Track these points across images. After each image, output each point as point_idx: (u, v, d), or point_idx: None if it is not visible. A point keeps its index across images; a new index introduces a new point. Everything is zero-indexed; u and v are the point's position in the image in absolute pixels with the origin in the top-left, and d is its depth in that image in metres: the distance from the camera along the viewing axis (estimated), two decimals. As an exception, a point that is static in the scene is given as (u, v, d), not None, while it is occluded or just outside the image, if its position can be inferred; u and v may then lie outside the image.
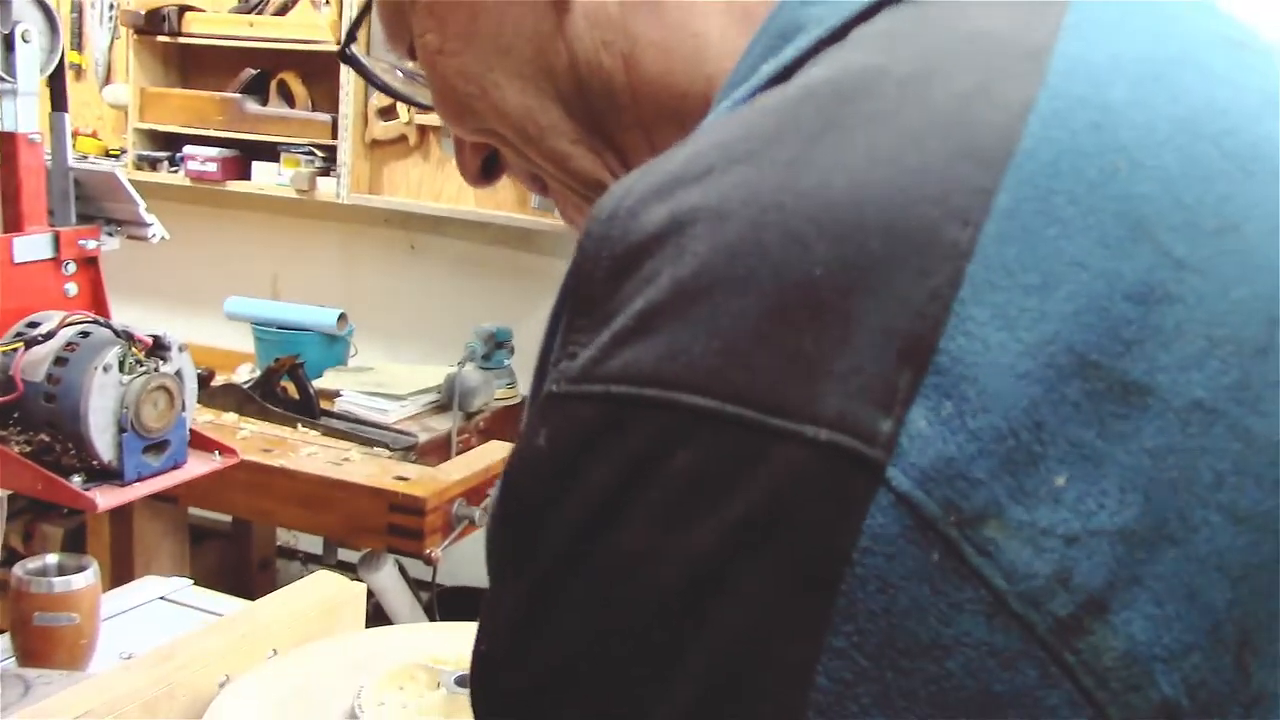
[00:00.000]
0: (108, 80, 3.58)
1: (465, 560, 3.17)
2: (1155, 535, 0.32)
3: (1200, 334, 0.33)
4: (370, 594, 2.06)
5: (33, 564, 1.23)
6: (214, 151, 3.31)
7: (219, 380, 2.66)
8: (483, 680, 0.40)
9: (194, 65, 3.49)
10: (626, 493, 0.34)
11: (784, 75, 0.42)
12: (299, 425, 2.48)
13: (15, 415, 1.24)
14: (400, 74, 0.64)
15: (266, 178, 3.30)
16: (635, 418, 0.35)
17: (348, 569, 2.73)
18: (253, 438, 2.41)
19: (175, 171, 3.37)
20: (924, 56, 0.38)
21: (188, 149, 3.33)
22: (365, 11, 0.59)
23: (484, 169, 0.62)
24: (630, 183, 0.38)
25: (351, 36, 0.62)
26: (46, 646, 1.19)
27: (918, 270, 0.32)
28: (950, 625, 0.31)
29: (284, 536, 3.18)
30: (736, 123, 0.39)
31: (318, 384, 2.61)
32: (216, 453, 1.39)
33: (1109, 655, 0.32)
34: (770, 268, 0.33)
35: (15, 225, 1.32)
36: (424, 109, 0.63)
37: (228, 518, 2.85)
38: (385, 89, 0.65)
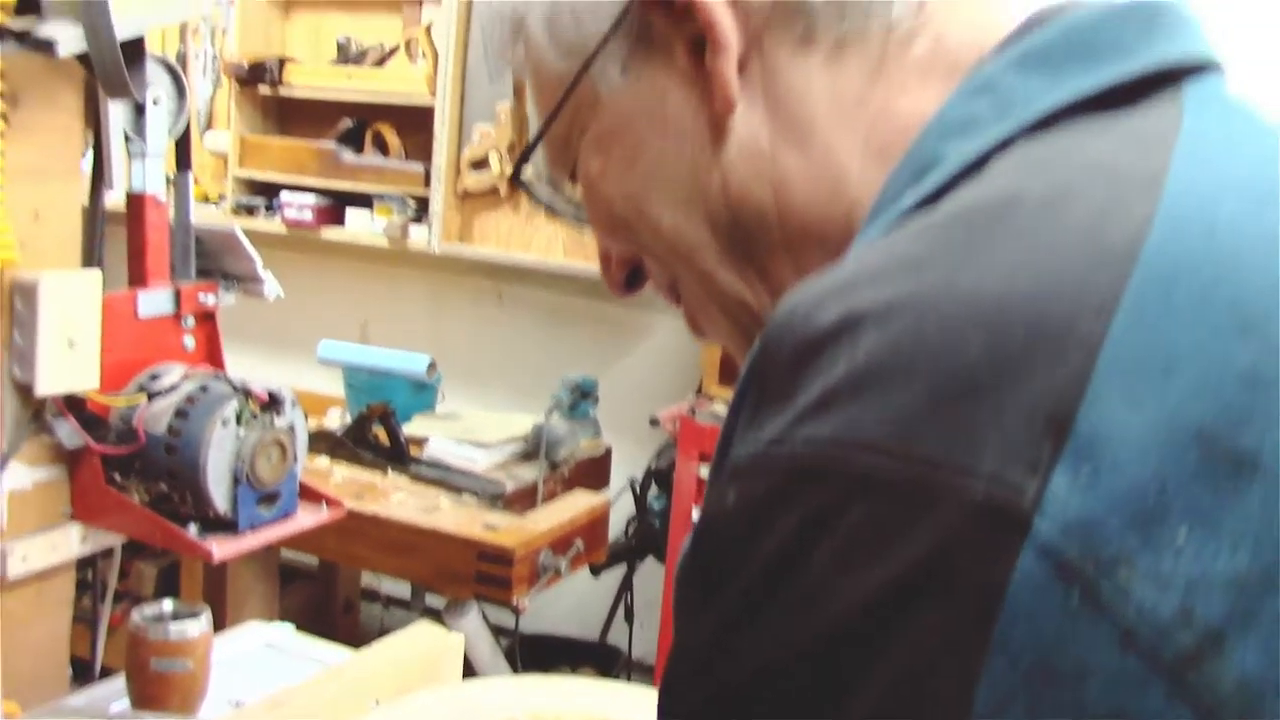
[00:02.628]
0: (209, 128, 3.69)
1: (546, 608, 3.20)
2: (1264, 582, 0.36)
3: None
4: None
5: (149, 610, 1.27)
6: (310, 199, 3.39)
7: (311, 424, 2.72)
8: (671, 696, 0.46)
9: (292, 115, 3.59)
10: (809, 541, 0.40)
11: (928, 201, 0.48)
12: (389, 471, 2.52)
13: (136, 465, 1.29)
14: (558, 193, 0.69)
15: (360, 225, 3.38)
16: (816, 478, 0.40)
17: (432, 613, 2.77)
18: (345, 483, 2.46)
19: (272, 218, 3.46)
20: (1055, 184, 0.44)
21: (284, 196, 3.42)
22: (537, 141, 0.65)
23: (628, 280, 0.68)
24: (806, 288, 0.44)
25: (523, 163, 0.67)
26: (162, 691, 1.23)
27: (1057, 357, 0.38)
28: (1089, 654, 0.36)
29: (368, 578, 3.23)
30: (896, 241, 0.45)
31: (406, 430, 2.65)
32: (324, 504, 1.42)
33: (1226, 684, 0.36)
34: (931, 357, 0.39)
35: (140, 281, 1.37)
36: (584, 225, 0.68)
37: (315, 559, 2.90)
38: (551, 209, 0.70)
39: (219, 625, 2.06)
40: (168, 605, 1.28)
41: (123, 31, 1.16)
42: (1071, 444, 0.37)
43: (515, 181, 0.68)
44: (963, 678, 0.37)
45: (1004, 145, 0.48)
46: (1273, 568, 0.36)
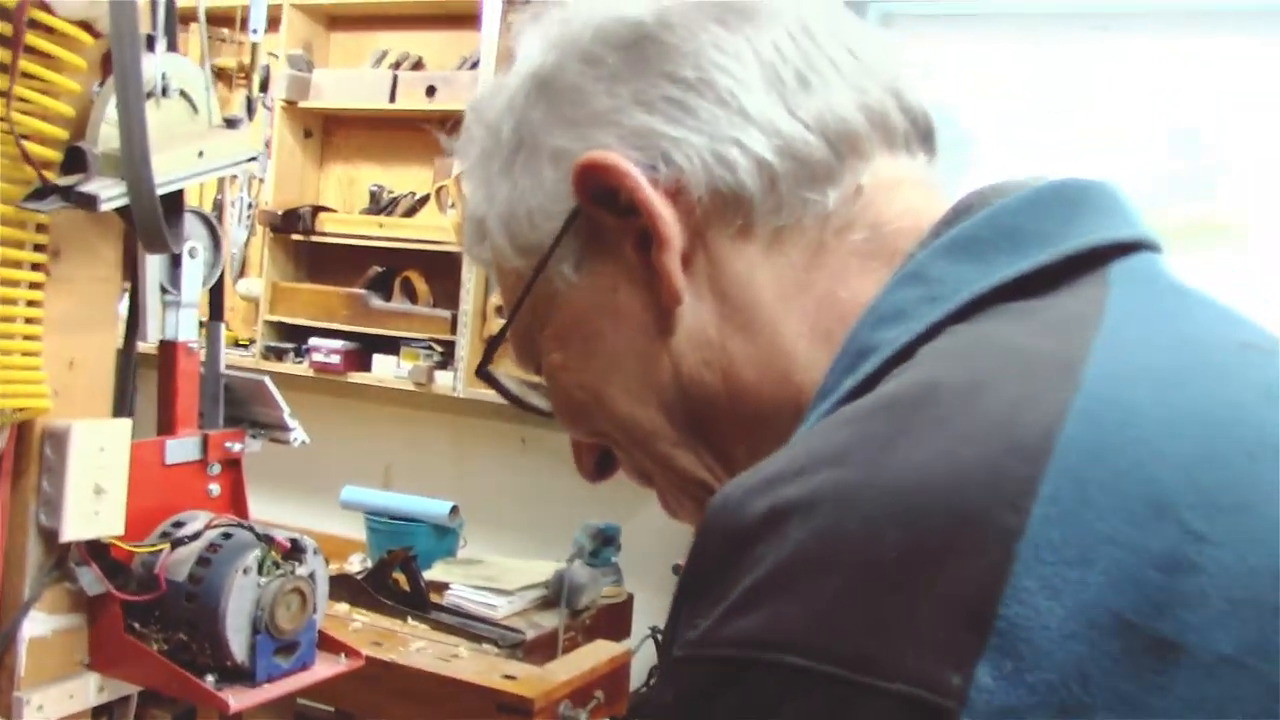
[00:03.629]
0: (242, 274, 3.76)
1: (565, 760, 3.12)
2: None
3: (1222, 597, 0.37)
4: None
5: (163, 762, 1.25)
6: (338, 344, 3.44)
7: (332, 569, 2.70)
8: None
9: (324, 261, 3.67)
10: None
11: (864, 387, 0.50)
12: (409, 618, 2.50)
13: (156, 614, 1.28)
14: (525, 385, 0.74)
15: (386, 370, 3.42)
16: (746, 676, 0.41)
17: (448, 765, 2.71)
18: (364, 630, 2.44)
19: (300, 362, 3.51)
20: (975, 371, 0.45)
21: (313, 341, 3.47)
22: (499, 339, 0.69)
23: (598, 466, 0.71)
24: (739, 481, 0.46)
25: (488, 358, 0.71)
26: None
27: (976, 550, 0.38)
28: None
29: (384, 728, 3.17)
30: (823, 431, 0.47)
31: (428, 575, 2.64)
32: (342, 655, 1.41)
33: None
34: (851, 551, 0.40)
35: (169, 428, 1.38)
36: (547, 415, 0.71)
37: (331, 707, 2.85)
38: (515, 401, 0.75)
39: (232, 776, 2.02)
40: (181, 758, 1.26)
41: (163, 188, 1.19)
42: (994, 637, 0.37)
43: (481, 375, 0.72)
44: None
45: (932, 332, 0.50)
46: None
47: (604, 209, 0.60)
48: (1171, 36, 2.96)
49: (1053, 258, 0.51)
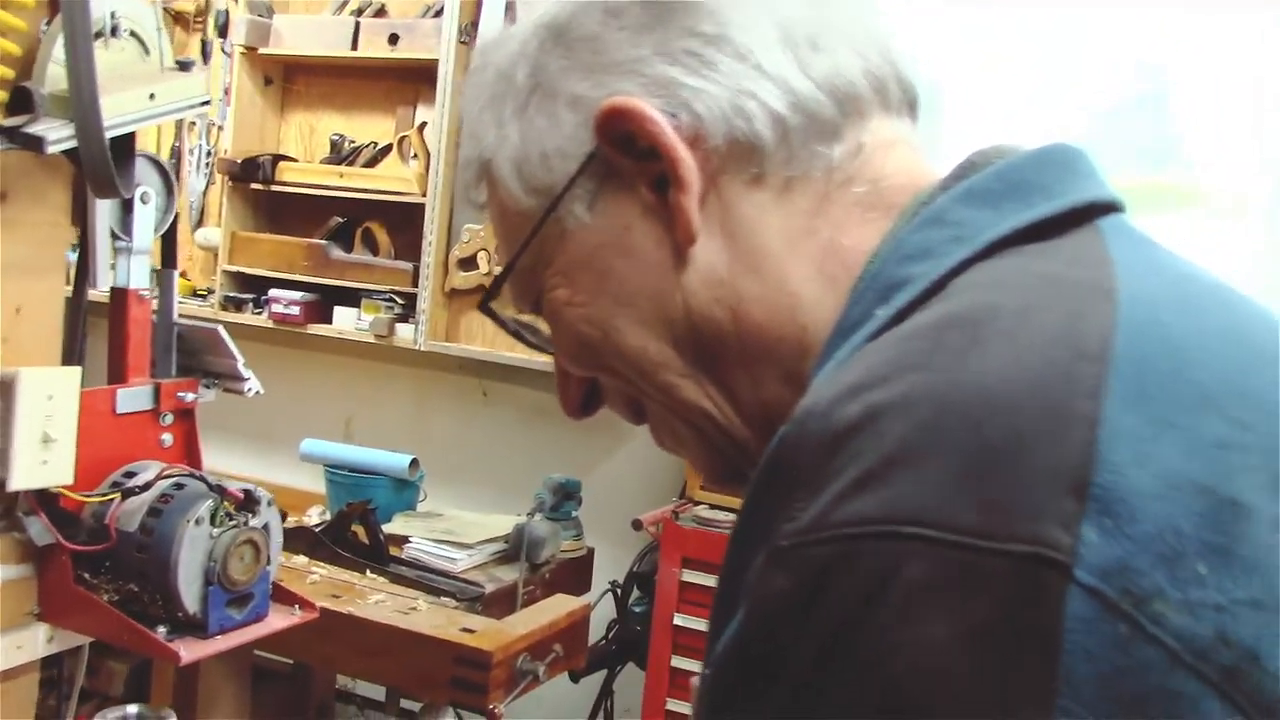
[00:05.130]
0: (200, 223, 3.72)
1: (524, 714, 3.14)
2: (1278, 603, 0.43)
3: (1265, 470, 0.45)
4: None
5: (113, 714, 1.24)
6: (298, 295, 3.41)
7: (290, 521, 2.69)
8: None
9: (284, 211, 3.62)
10: (868, 603, 0.44)
11: (901, 317, 0.55)
12: (368, 571, 2.49)
13: (107, 564, 1.27)
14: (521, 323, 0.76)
15: (347, 322, 3.39)
16: (867, 548, 0.44)
17: (407, 717, 2.71)
18: (322, 583, 2.42)
19: (259, 313, 3.47)
20: (1024, 294, 0.51)
21: (273, 292, 3.43)
22: (506, 274, 0.70)
23: (584, 403, 0.73)
24: (818, 392, 0.50)
25: (493, 293, 0.72)
26: (121, 800, 1.20)
27: (1065, 432, 0.44)
28: (1145, 678, 0.41)
29: (343, 680, 3.17)
30: (893, 345, 0.51)
31: (387, 529, 2.62)
32: (296, 606, 1.40)
33: (1270, 693, 0.42)
34: (955, 440, 0.45)
35: (120, 377, 1.36)
36: (549, 353, 0.73)
37: (289, 660, 2.84)
38: (519, 336, 0.76)
39: (187, 727, 2.01)
40: (132, 709, 1.26)
41: (113, 130, 1.17)
42: (1092, 501, 0.42)
43: (484, 309, 0.74)
44: (1037, 715, 0.41)
45: (961, 268, 0.56)
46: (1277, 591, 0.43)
47: (622, 152, 0.63)
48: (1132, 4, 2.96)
49: (1058, 208, 0.58)
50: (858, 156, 0.64)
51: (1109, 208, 0.60)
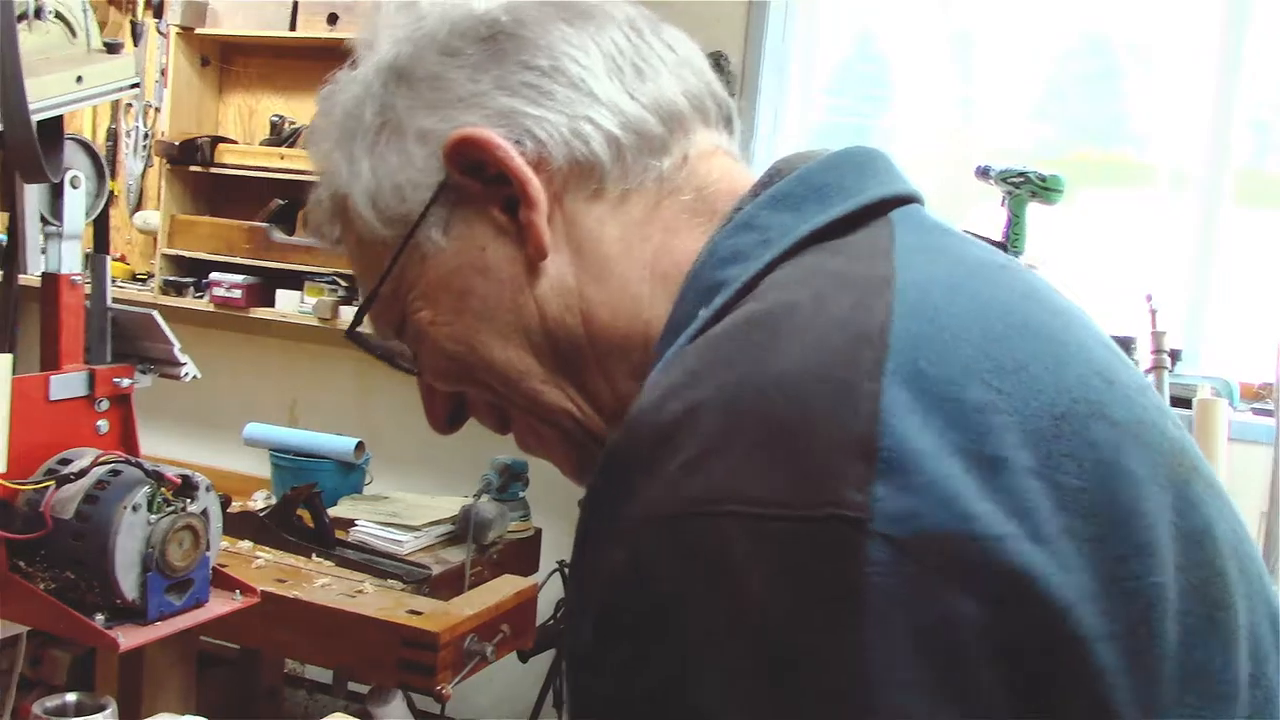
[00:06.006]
0: (139, 206, 3.66)
1: (474, 695, 3.14)
2: (1077, 518, 0.52)
3: (1017, 429, 0.53)
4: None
5: (51, 703, 1.23)
6: (239, 278, 3.37)
7: (236, 506, 2.67)
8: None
9: (224, 194, 3.58)
10: (695, 574, 0.51)
11: (720, 314, 0.62)
12: (314, 555, 2.48)
13: (42, 552, 1.26)
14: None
15: (290, 305, 3.36)
16: (693, 526, 0.52)
17: (356, 700, 2.70)
18: (268, 567, 2.41)
19: (200, 297, 3.43)
20: (815, 291, 0.59)
21: (214, 275, 3.39)
22: (369, 303, 0.74)
23: (451, 418, 0.78)
24: (650, 391, 0.58)
25: (358, 321, 0.76)
26: (61, 788, 1.19)
27: (850, 405, 0.52)
28: (933, 607, 0.49)
29: (291, 664, 3.16)
30: (707, 346, 0.59)
31: (333, 512, 2.61)
32: (237, 591, 1.39)
33: (1039, 605, 0.50)
34: (754, 419, 0.53)
35: (53, 364, 1.35)
36: (412, 372, 0.77)
37: (236, 645, 2.83)
38: (387, 359, 0.80)
39: (133, 716, 2.00)
40: (71, 697, 1.25)
41: (39, 113, 1.15)
42: (880, 463, 0.50)
43: (350, 336, 0.78)
44: (845, 640, 0.49)
45: (769, 268, 0.63)
46: (1033, 515, 0.51)
47: (473, 178, 0.69)
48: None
49: (851, 207, 0.66)
50: (684, 167, 0.71)
51: (903, 200, 0.68)
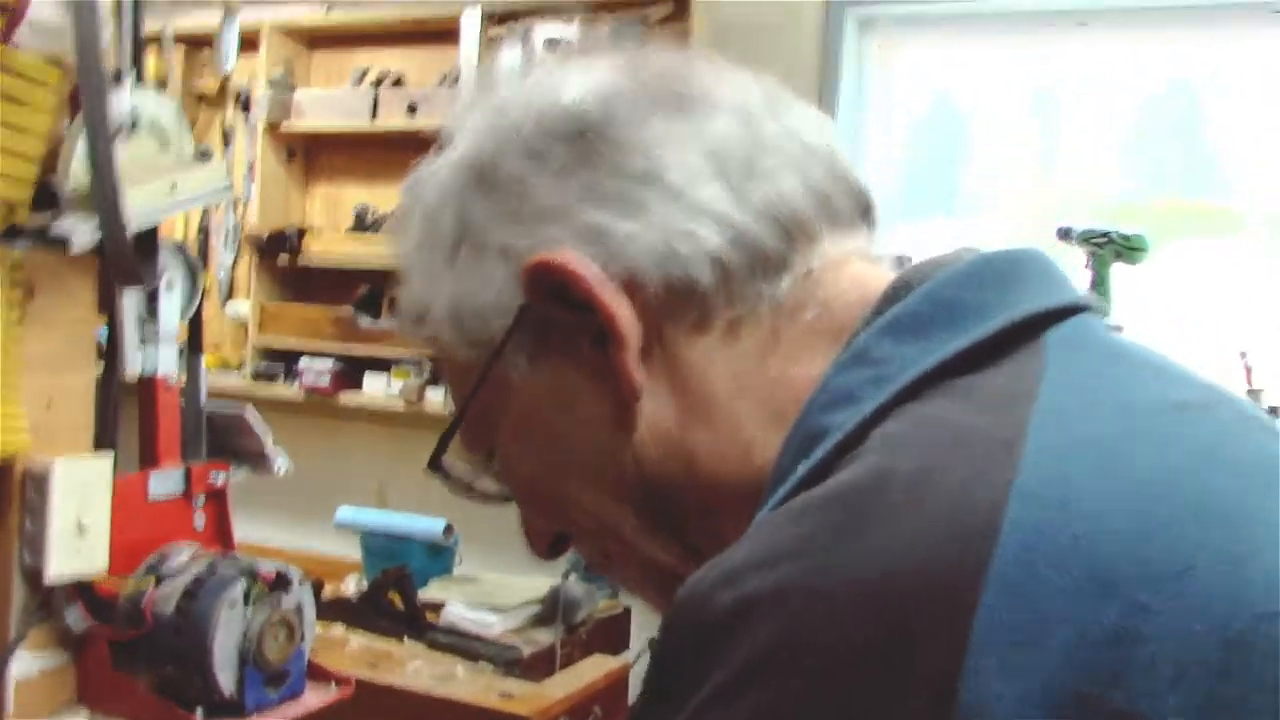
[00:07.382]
0: (230, 296, 3.76)
1: (567, 775, 3.11)
2: None
3: (1170, 663, 0.39)
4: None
5: (154, 799, 1.24)
6: (327, 364, 3.43)
7: (328, 591, 2.70)
8: None
9: (311, 282, 3.66)
10: None
11: (818, 472, 0.50)
12: (405, 638, 2.50)
13: (144, 649, 1.28)
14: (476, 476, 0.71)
15: (376, 389, 3.41)
16: None
17: (449, 785, 2.70)
18: (359, 651, 2.43)
19: (291, 384, 3.50)
20: (922, 456, 0.46)
21: (303, 362, 3.46)
22: (455, 428, 0.66)
23: (552, 545, 0.70)
24: (702, 576, 0.47)
25: (442, 449, 0.67)
26: None
27: (934, 636, 0.40)
28: None
29: (385, 748, 3.16)
30: (782, 522, 0.47)
31: (423, 594, 2.63)
32: (332, 682, 1.41)
33: None
34: (819, 644, 0.42)
35: (151, 462, 1.38)
36: (504, 502, 0.70)
37: (331, 730, 2.84)
38: (471, 492, 0.71)
39: (230, 805, 2.01)
40: (173, 794, 1.26)
41: (136, 223, 1.19)
42: (957, 716, 0.39)
43: (432, 468, 0.68)
44: None
45: (881, 414, 0.51)
46: None
47: (558, 305, 0.59)
48: (1157, 28, 2.96)
49: (989, 331, 0.53)
50: (808, 278, 0.59)
51: (1067, 311, 0.55)
